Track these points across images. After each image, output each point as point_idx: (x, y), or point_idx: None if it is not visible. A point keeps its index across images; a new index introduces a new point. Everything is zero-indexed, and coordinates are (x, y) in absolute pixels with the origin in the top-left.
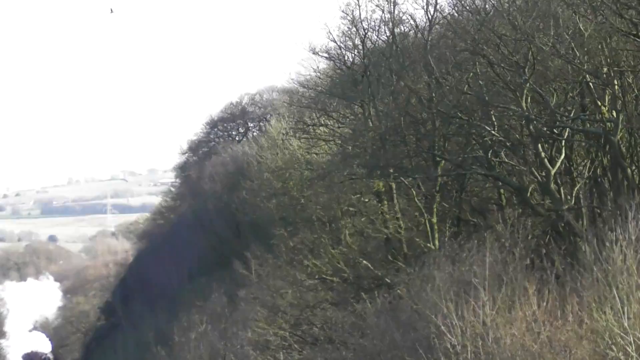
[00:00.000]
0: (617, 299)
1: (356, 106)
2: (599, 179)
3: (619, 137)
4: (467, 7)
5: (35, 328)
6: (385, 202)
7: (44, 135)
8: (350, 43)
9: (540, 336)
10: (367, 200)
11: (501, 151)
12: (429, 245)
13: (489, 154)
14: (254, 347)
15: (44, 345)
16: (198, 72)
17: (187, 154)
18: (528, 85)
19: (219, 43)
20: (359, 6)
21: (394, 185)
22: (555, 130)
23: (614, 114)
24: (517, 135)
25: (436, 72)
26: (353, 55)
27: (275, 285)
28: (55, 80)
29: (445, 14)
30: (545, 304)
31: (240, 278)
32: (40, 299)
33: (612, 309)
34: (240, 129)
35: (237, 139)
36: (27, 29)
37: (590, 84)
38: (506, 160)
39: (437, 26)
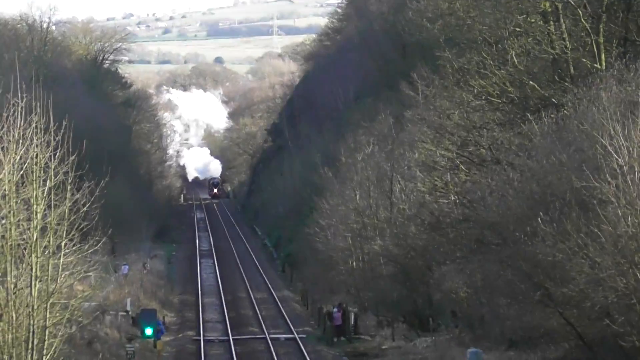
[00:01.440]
0: None
1: None
2: None
3: None
4: None
5: (205, 145)
6: (552, 22)
7: None
8: None
9: None
10: (533, 20)
11: None
12: (595, 65)
13: None
14: (421, 168)
15: (216, 167)
16: None
17: None
18: None
19: None
20: None
21: (560, 5)
22: None
23: None
24: None
25: None
26: None
27: (442, 106)
28: None
29: None
30: None
31: (407, 99)
32: (208, 111)
33: None
34: None
35: None
36: None
37: None
38: None
39: None
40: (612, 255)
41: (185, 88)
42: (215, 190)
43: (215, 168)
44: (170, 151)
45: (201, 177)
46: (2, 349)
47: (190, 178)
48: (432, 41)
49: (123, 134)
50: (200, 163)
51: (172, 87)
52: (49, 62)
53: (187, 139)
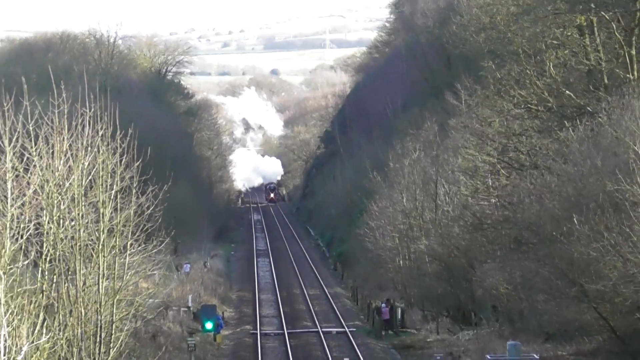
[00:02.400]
0: None
1: None
2: None
3: None
4: None
5: (262, 151)
6: (587, 35)
7: None
8: None
9: None
10: (569, 33)
11: None
12: (628, 75)
13: None
14: (464, 173)
15: (277, 167)
16: None
17: None
18: None
19: None
20: None
21: (595, 20)
22: None
23: None
24: None
25: None
26: None
27: (484, 114)
28: None
29: None
30: None
31: (451, 107)
32: (264, 118)
33: None
34: None
35: None
36: None
37: None
38: None
39: None
40: None
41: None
42: (272, 195)
43: (272, 172)
44: (230, 157)
45: (256, 183)
46: (72, 342)
47: (247, 183)
48: (474, 53)
49: (185, 141)
50: (257, 167)
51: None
52: (115, 74)
53: (245, 145)
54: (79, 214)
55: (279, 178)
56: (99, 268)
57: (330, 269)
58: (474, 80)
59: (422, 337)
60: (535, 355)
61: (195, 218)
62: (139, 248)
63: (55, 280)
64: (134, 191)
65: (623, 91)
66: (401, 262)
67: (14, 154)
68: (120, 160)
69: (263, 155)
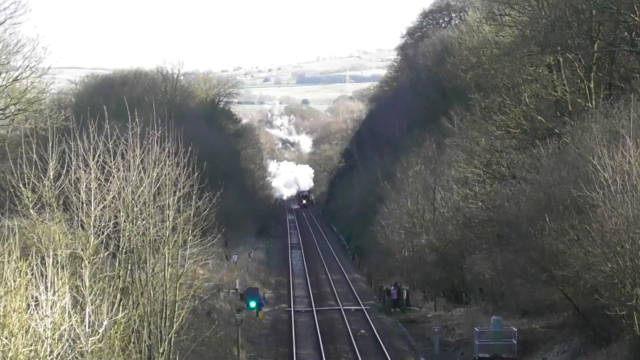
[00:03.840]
0: None
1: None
2: None
3: None
4: None
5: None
6: (555, 72)
7: (295, 15)
8: None
9: None
10: (541, 70)
11: None
12: (588, 104)
13: (633, 35)
14: (456, 182)
15: (308, 176)
16: None
17: (405, 37)
18: None
19: None
20: None
21: (561, 60)
22: None
23: None
24: None
25: None
26: None
27: (472, 135)
28: None
29: None
30: None
31: (446, 130)
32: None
33: None
34: (445, 18)
35: (443, 25)
36: None
37: None
38: None
39: None
40: (600, 246)
41: (281, 123)
42: (304, 201)
43: (306, 182)
44: (270, 169)
45: (290, 189)
46: (143, 318)
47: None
48: (465, 86)
49: (233, 157)
50: (293, 177)
51: (270, 122)
52: (178, 103)
53: (281, 160)
54: (148, 215)
55: (309, 187)
56: (164, 258)
57: (350, 259)
58: (464, 108)
59: (423, 313)
60: (513, 328)
61: (242, 218)
62: (197, 242)
63: (129, 268)
64: (193, 197)
65: (584, 117)
66: (406, 253)
67: (96, 167)
68: (182, 172)
69: (297, 164)
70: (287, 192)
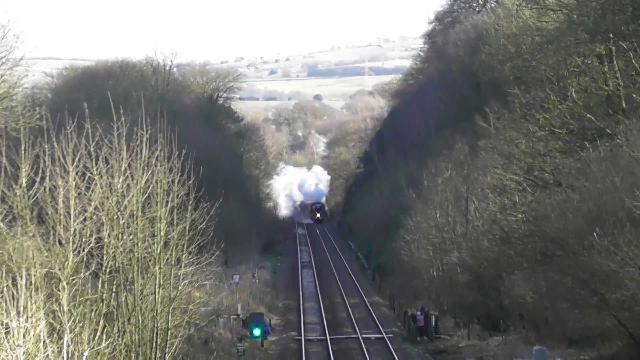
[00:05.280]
0: None
1: None
2: None
3: None
4: None
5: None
6: (606, 63)
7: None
8: None
9: None
10: (590, 61)
11: None
12: None
13: None
14: (493, 190)
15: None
16: None
17: (434, 23)
18: None
19: None
20: None
21: (613, 49)
22: None
23: None
24: None
25: None
26: None
27: (511, 136)
28: None
29: None
30: None
31: (480, 130)
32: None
33: None
34: (479, 1)
35: (477, 9)
36: None
37: None
38: None
39: None
40: None
41: (289, 122)
42: (318, 215)
43: (316, 191)
44: (277, 176)
45: (302, 199)
46: (130, 348)
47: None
48: (502, 80)
49: (235, 161)
50: (303, 183)
51: (277, 121)
52: (170, 99)
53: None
54: (136, 229)
55: (323, 196)
56: (155, 279)
57: (369, 279)
58: (501, 105)
59: (455, 342)
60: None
61: (244, 232)
62: (192, 260)
63: (114, 290)
64: (188, 207)
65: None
66: (435, 273)
67: (76, 173)
68: (175, 179)
69: (308, 170)
70: (289, 205)
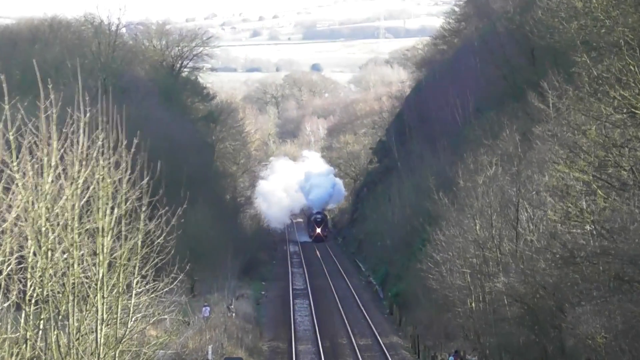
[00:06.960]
0: None
1: None
2: None
3: None
4: None
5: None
6: None
7: None
8: None
9: None
10: None
11: None
12: None
13: None
14: (552, 193)
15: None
16: None
17: None
18: None
19: None
20: None
21: None
22: None
23: None
24: None
25: None
26: None
27: (577, 121)
28: None
29: None
30: None
31: (536, 112)
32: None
33: None
34: None
35: None
36: None
37: None
38: None
39: None
40: None
41: (278, 101)
42: (318, 230)
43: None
44: (262, 174)
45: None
46: None
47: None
48: (565, 44)
49: (205, 154)
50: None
51: (262, 99)
52: (118, 70)
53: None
54: (71, 245)
55: (329, 207)
56: (96, 312)
57: (385, 313)
58: (564, 79)
59: None
60: None
61: (217, 249)
62: (147, 287)
63: (42, 326)
64: (141, 216)
65: None
66: (473, 304)
67: None
68: (125, 178)
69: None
70: (279, 217)
